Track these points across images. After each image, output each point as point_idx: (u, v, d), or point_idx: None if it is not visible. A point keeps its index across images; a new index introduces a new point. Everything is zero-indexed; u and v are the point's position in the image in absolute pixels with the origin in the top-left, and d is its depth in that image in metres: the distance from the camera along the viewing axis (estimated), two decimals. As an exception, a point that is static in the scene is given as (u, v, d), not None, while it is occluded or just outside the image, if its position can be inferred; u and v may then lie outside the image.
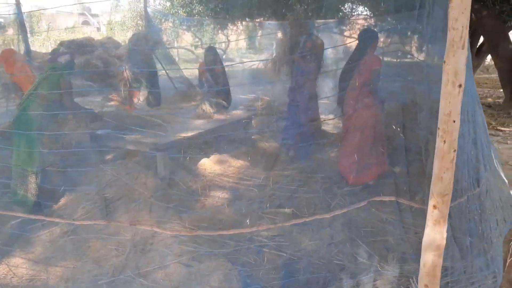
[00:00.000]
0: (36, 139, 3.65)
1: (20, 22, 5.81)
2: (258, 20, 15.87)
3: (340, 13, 15.45)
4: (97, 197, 3.63)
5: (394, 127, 3.49)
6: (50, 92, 3.64)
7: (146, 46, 6.77)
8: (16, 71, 5.02)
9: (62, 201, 3.77)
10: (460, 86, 1.17)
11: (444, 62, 1.16)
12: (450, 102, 1.20)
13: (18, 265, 2.90)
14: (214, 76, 6.18)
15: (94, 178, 3.88)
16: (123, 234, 3.21)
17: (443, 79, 1.18)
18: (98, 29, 28.05)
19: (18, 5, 5.93)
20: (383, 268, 2.65)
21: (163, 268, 2.84)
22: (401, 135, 3.43)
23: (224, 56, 14.96)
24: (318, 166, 4.55)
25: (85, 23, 29.74)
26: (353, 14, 16.87)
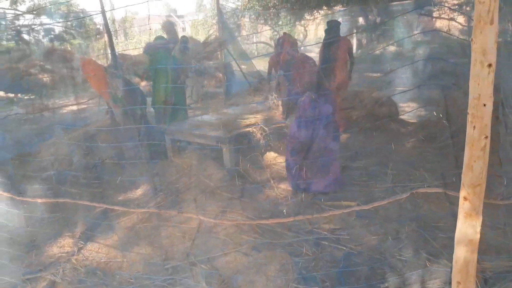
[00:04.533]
0: None
1: (106, 29, 6.38)
2: (336, 7, 15.43)
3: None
4: (169, 188, 3.89)
5: (435, 114, 3.22)
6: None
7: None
8: (94, 79, 5.48)
9: (140, 190, 4.13)
10: (489, 66, 1.03)
11: (472, 40, 1.04)
12: (479, 84, 1.07)
13: (98, 249, 3.24)
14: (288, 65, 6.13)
15: (167, 168, 4.17)
16: (190, 223, 3.41)
17: (471, 59, 1.06)
18: (184, 29, 29.60)
19: (103, 11, 6.52)
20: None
21: (224, 256, 2.96)
22: (444, 121, 3.14)
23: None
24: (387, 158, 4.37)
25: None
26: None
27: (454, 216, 2.89)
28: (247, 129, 4.22)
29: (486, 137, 1.11)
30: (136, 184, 4.28)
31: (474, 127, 1.12)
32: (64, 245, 3.37)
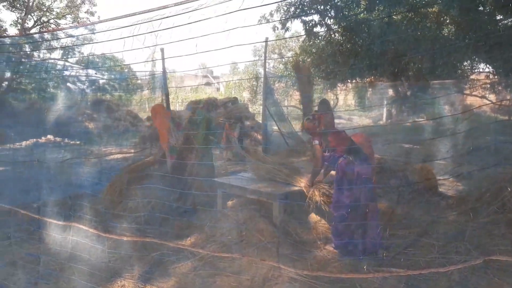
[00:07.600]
0: None
1: (164, 85, 7.01)
2: (368, 79, 16.15)
3: (459, 70, 14.75)
4: (221, 239, 4.10)
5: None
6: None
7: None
8: (160, 123, 5.94)
9: (193, 238, 4.36)
10: None
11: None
12: None
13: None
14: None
15: (218, 222, 4.40)
16: (244, 274, 3.57)
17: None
18: (218, 89, 31.07)
19: (164, 73, 7.21)
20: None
21: (278, 310, 3.09)
22: None
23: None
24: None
25: (207, 84, 33.25)
26: (474, 71, 16.03)
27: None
28: (297, 187, 4.48)
29: None
30: (186, 232, 4.53)
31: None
32: (124, 284, 3.57)
